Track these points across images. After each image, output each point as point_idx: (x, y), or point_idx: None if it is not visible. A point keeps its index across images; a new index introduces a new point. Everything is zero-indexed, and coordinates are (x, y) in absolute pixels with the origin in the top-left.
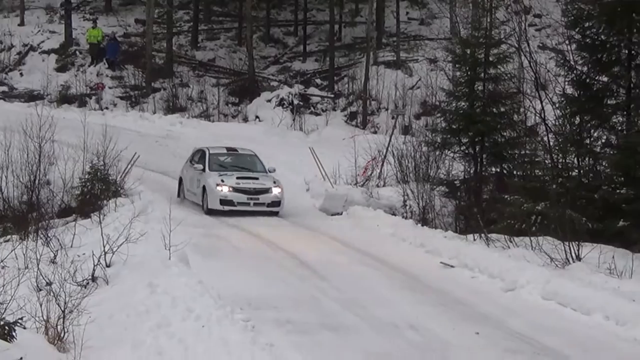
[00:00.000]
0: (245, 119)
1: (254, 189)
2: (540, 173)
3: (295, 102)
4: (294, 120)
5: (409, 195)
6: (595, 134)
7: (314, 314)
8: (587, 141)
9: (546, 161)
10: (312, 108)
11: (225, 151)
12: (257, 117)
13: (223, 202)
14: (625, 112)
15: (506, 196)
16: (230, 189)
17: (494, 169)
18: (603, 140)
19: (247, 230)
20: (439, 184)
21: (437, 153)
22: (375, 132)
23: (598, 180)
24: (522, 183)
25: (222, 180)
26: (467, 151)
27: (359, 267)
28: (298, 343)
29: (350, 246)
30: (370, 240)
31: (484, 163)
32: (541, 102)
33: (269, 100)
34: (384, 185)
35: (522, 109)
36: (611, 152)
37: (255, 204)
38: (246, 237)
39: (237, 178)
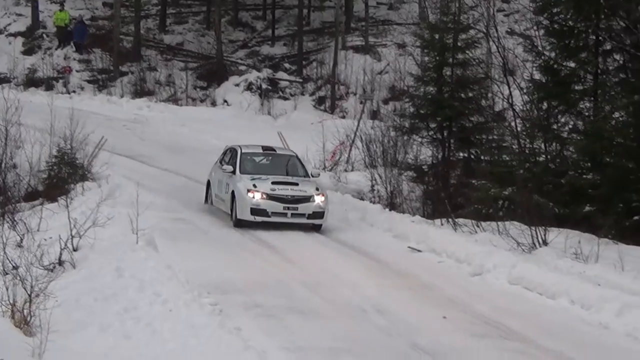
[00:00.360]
0: (214, 103)
1: (292, 196)
2: (507, 158)
3: (264, 86)
4: (262, 104)
5: (377, 179)
6: (563, 120)
7: (282, 297)
8: (554, 126)
9: (513, 146)
10: (280, 92)
11: (260, 151)
12: (225, 101)
13: (254, 211)
14: (592, 98)
15: (473, 181)
16: (264, 196)
17: (461, 154)
18: (570, 126)
19: (214, 214)
20: (406, 168)
21: (405, 138)
22: (343, 117)
23: (565, 166)
24: (490, 168)
25: (255, 186)
26: (435, 136)
27: (326, 251)
28: (265, 327)
29: (317, 230)
30: (338, 225)
31: (452, 148)
32: (509, 88)
33: (237, 85)
34: (352, 170)
35: (490, 95)
36: (578, 138)
37: (293, 215)
38: (213, 221)
39: (273, 183)
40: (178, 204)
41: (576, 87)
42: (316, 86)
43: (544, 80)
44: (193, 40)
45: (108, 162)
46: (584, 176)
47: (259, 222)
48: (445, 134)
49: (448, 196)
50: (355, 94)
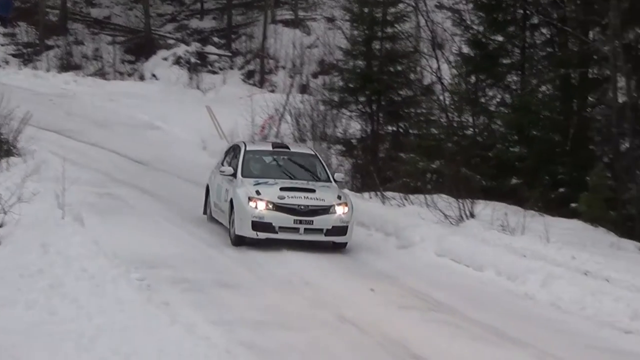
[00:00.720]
0: (142, 78)
1: (306, 206)
2: (435, 131)
3: (193, 60)
4: (191, 78)
5: None
6: (490, 93)
7: (210, 272)
8: (482, 100)
9: (442, 120)
10: (209, 66)
11: (270, 148)
12: (153, 75)
13: (257, 226)
14: (519, 72)
15: (402, 154)
16: (269, 205)
17: (390, 128)
18: (498, 99)
19: (142, 189)
20: (335, 142)
21: (334, 112)
22: (272, 91)
23: (492, 139)
24: (418, 141)
25: (258, 192)
26: (363, 110)
27: None
28: (194, 301)
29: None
30: None
31: (381, 122)
32: (437, 61)
33: (166, 59)
34: None
35: (418, 68)
36: (505, 111)
37: (306, 231)
38: (142, 196)
39: (282, 189)
40: (105, 178)
41: (504, 61)
42: (245, 60)
43: (472, 54)
44: (121, 14)
45: (34, 137)
46: (511, 149)
47: (262, 239)
48: (374, 108)
49: (377, 169)
50: (284, 68)
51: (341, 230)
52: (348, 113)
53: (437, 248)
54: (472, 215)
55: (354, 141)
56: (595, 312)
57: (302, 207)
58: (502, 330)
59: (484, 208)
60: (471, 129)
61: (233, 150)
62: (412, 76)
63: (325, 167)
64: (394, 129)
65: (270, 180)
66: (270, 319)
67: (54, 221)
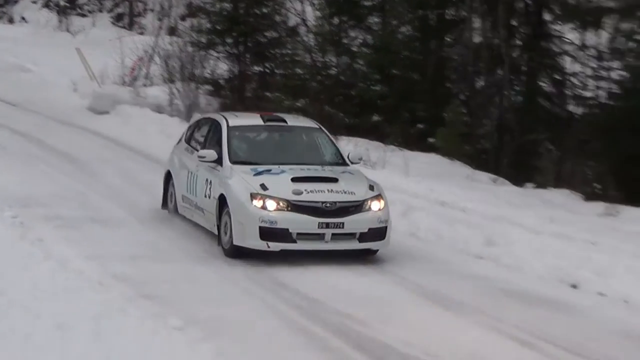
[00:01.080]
0: (11, 21)
1: (333, 203)
2: (300, 72)
3: (62, 3)
4: (60, 21)
5: (175, 94)
6: (353, 34)
7: (83, 209)
8: (345, 41)
9: (306, 60)
10: (78, 9)
11: (260, 122)
12: (23, 18)
13: (267, 233)
14: (380, 13)
15: (268, 94)
16: (281, 204)
17: (256, 68)
18: (360, 40)
19: (13, 130)
20: (204, 82)
21: (202, 53)
22: (142, 34)
23: (355, 78)
24: (284, 81)
25: (264, 186)
26: (231, 51)
27: (127, 162)
28: (67, 237)
29: (118, 143)
30: (138, 138)
31: (247, 62)
32: (302, 4)
33: (35, 2)
34: (151, 85)
35: (283, 10)
36: (367, 52)
37: (334, 237)
38: (12, 137)
39: (295, 180)
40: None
41: (365, 3)
42: (114, 3)
43: None
44: None
45: None
46: (373, 88)
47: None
48: (241, 49)
49: (244, 109)
50: (153, 11)
51: (379, 233)
52: (216, 54)
53: None
54: None
55: (221, 81)
56: (451, 241)
57: (328, 204)
58: (364, 259)
59: (347, 144)
60: (334, 69)
61: (206, 126)
62: (277, 18)
63: (336, 144)
64: (261, 69)
65: (274, 168)
66: (143, 253)
67: None
